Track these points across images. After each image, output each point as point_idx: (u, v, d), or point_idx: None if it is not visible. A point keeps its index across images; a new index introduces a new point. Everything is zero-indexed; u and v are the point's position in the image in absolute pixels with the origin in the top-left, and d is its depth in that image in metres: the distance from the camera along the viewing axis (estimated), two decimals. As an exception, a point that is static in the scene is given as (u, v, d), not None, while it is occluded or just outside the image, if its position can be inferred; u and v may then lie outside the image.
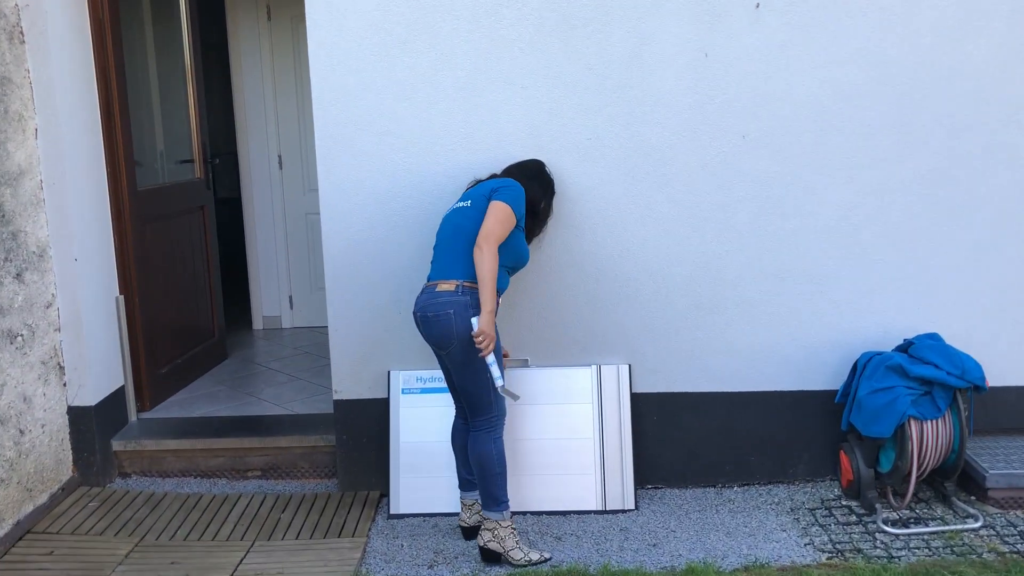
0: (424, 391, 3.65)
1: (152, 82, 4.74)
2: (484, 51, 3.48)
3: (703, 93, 3.52)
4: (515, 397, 3.16)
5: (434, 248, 3.25)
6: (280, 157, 5.80)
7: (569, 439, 3.61)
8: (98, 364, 3.90)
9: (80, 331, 3.78)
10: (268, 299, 5.96)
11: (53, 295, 3.70)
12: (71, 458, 3.82)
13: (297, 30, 5.56)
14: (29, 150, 3.57)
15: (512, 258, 3.17)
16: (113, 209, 4.07)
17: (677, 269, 3.64)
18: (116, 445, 3.96)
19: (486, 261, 2.98)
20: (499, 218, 3.05)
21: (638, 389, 3.71)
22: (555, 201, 3.51)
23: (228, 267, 6.32)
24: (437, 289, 3.09)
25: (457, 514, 3.54)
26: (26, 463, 3.48)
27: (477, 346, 3.01)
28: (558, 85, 3.52)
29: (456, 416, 3.38)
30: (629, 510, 3.60)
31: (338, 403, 3.76)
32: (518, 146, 3.54)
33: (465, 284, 3.07)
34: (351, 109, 3.53)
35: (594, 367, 3.64)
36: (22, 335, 3.48)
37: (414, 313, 3.15)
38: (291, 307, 5.95)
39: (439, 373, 3.52)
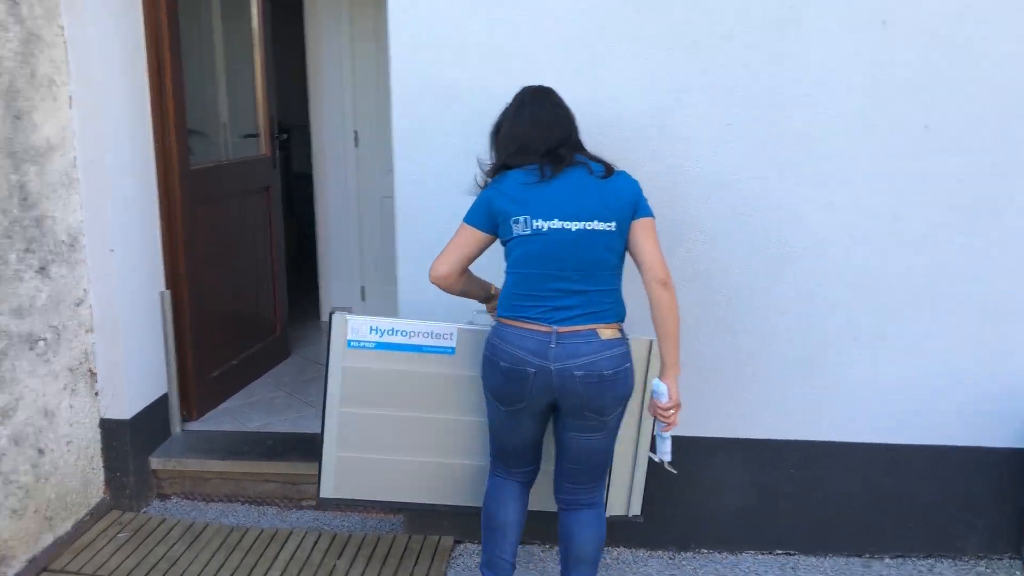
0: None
1: (217, 45, 4.20)
2: (601, 13, 2.81)
3: (878, 70, 2.78)
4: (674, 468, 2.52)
5: (551, 275, 2.30)
6: (356, 133, 5.21)
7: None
8: (137, 369, 3.38)
9: (116, 332, 3.26)
10: (339, 289, 5.39)
11: (85, 291, 3.18)
12: (103, 478, 3.31)
13: (379, -10, 4.95)
14: (61, 121, 3.04)
15: None
16: (161, 191, 3.54)
17: (829, 291, 2.92)
18: (155, 463, 3.45)
19: (675, 307, 2.28)
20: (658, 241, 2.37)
21: (772, 435, 3.02)
22: (679, 201, 2.85)
23: (310, 249, 5.74)
24: (603, 337, 2.29)
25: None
26: (46, 488, 2.99)
27: (663, 419, 2.33)
28: (691, 57, 2.82)
29: (509, 479, 2.58)
30: (756, 584, 2.94)
31: (408, 431, 3.16)
32: (638, 129, 2.86)
33: (621, 328, 2.38)
34: (436, 83, 2.89)
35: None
36: (45, 339, 2.96)
37: (566, 371, 2.27)
38: (363, 299, 5.38)
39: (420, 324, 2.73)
